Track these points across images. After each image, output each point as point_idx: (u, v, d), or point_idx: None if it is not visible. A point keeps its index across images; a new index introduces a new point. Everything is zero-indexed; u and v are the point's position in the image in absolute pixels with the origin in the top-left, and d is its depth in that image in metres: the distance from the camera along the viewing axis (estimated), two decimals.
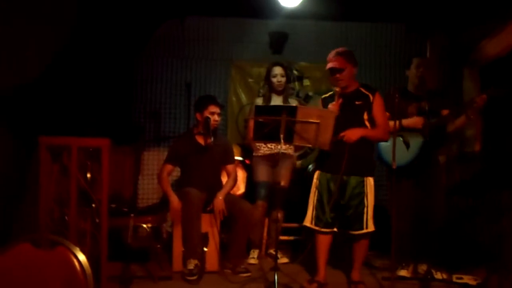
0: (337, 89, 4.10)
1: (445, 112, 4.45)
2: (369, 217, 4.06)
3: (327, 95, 4.31)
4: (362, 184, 4.07)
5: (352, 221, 4.09)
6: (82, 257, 2.43)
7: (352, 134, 3.99)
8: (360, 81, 6.29)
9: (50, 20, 4.44)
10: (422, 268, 4.38)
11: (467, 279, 4.25)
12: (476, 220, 4.81)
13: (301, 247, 5.05)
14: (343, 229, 4.18)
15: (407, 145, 4.36)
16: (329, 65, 4.10)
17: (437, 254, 4.47)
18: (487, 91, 4.13)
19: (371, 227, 4.07)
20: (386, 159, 4.45)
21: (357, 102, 4.11)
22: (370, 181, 4.10)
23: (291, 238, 5.46)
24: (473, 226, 4.82)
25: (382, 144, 4.47)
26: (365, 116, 4.11)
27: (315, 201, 4.16)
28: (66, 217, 3.86)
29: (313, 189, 4.19)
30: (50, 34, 4.47)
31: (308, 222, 4.18)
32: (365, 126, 4.11)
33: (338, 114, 3.95)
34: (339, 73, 4.08)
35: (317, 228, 4.15)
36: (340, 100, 4.07)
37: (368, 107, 4.11)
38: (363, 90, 4.17)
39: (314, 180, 4.22)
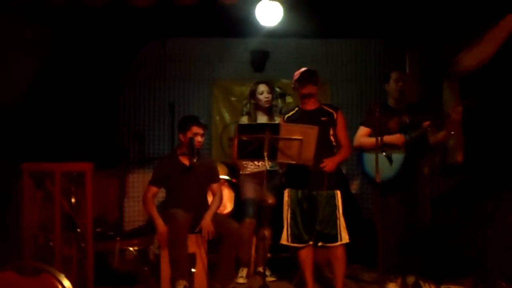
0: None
1: (426, 124, 4.50)
2: (342, 229, 4.13)
3: (289, 114, 4.44)
4: (333, 198, 4.17)
5: (326, 234, 4.14)
6: (67, 283, 2.40)
7: (333, 164, 4.17)
8: (342, 96, 6.47)
9: (30, 45, 4.45)
10: (410, 280, 4.39)
11: None
12: (461, 231, 4.84)
13: (290, 265, 5.07)
14: (318, 242, 4.21)
15: (389, 160, 4.40)
16: (304, 91, 4.25)
17: (424, 265, 4.48)
18: (462, 102, 4.21)
19: (345, 239, 4.13)
20: (371, 174, 4.48)
21: (322, 118, 4.24)
22: (339, 194, 4.21)
23: (279, 255, 5.45)
24: (459, 236, 4.85)
25: (367, 159, 4.53)
26: (331, 132, 4.26)
27: (289, 219, 4.25)
28: (51, 243, 3.83)
29: (285, 207, 4.29)
30: (30, 59, 4.47)
31: (284, 240, 4.27)
32: (330, 142, 4.27)
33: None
34: (311, 97, 4.28)
35: (294, 245, 4.23)
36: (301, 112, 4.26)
37: (333, 124, 4.27)
38: (326, 108, 4.35)
39: (285, 198, 4.31)
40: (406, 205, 4.51)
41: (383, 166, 4.25)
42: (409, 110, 4.53)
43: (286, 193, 4.31)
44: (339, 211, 4.15)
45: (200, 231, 4.53)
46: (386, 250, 4.14)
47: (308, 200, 4.17)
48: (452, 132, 4.41)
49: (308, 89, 4.24)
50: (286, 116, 4.44)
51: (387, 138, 4.39)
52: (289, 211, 4.25)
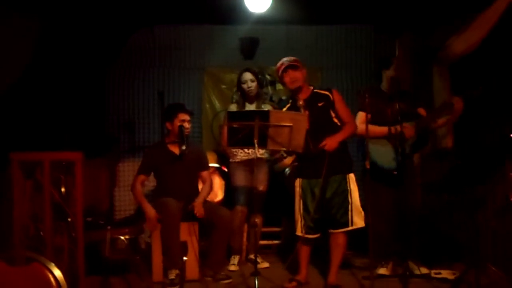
0: (301, 102, 4.14)
1: (421, 111, 4.55)
2: (355, 214, 4.09)
3: (285, 108, 4.30)
4: (344, 182, 4.11)
5: (337, 219, 4.10)
6: (57, 272, 2.39)
7: (333, 142, 4.03)
8: (332, 81, 6.47)
9: (18, 34, 4.40)
10: (402, 264, 4.41)
11: (445, 274, 4.31)
12: (453, 216, 4.88)
13: (282, 251, 5.09)
14: (328, 229, 4.17)
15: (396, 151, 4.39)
16: (284, 65, 4.15)
17: (415, 250, 4.52)
18: (463, 93, 4.23)
19: (358, 223, 4.09)
20: (380, 164, 4.48)
21: (319, 104, 4.16)
22: (352, 178, 4.14)
23: (271, 242, 5.50)
24: (450, 221, 4.88)
25: (373, 149, 4.42)
26: (332, 114, 4.18)
27: (301, 210, 4.17)
28: (41, 233, 3.81)
29: (297, 198, 4.21)
30: (19, 49, 4.43)
31: (299, 231, 4.18)
32: (335, 124, 4.16)
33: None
34: (293, 70, 4.13)
35: (308, 236, 4.16)
36: (307, 112, 4.09)
37: (332, 105, 4.18)
38: (319, 91, 4.26)
39: (297, 188, 4.23)
40: (396, 191, 4.54)
41: (387, 156, 4.36)
42: (402, 97, 4.54)
43: (297, 183, 4.23)
44: (351, 195, 4.09)
45: (190, 218, 4.52)
46: (377, 236, 4.16)
47: (319, 187, 4.07)
48: (454, 120, 4.49)
49: (290, 75, 4.14)
50: (284, 110, 4.27)
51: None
52: (301, 202, 4.18)
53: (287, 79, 4.18)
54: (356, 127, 4.25)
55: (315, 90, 4.27)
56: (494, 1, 4.57)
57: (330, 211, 4.12)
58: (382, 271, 4.48)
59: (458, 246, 4.68)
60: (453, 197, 4.91)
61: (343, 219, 4.08)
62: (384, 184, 4.46)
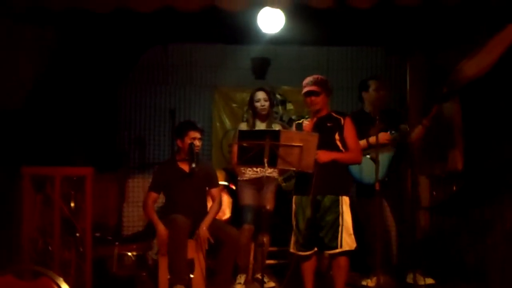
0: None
1: (403, 127, 4.66)
2: (345, 236, 4.06)
3: (300, 121, 4.47)
4: (337, 203, 4.10)
5: (327, 241, 4.09)
6: (65, 287, 2.41)
7: (323, 156, 4.06)
8: (342, 103, 6.48)
9: (32, 47, 4.46)
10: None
11: None
12: (461, 238, 4.85)
13: (287, 271, 5.04)
14: (319, 249, 4.19)
15: (374, 161, 4.41)
16: (306, 89, 4.23)
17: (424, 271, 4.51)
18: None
19: (348, 246, 4.06)
20: (356, 176, 4.59)
21: (328, 124, 4.22)
22: (345, 200, 4.14)
23: (277, 262, 5.47)
24: (459, 243, 4.85)
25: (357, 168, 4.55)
26: (337, 137, 4.20)
27: (294, 226, 4.22)
28: (50, 247, 3.83)
29: (293, 215, 4.26)
30: (31, 62, 4.48)
31: (291, 247, 4.23)
32: (337, 146, 4.19)
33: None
34: (315, 96, 4.22)
35: (299, 253, 4.18)
36: (315, 119, 4.23)
37: (339, 129, 4.21)
38: (334, 114, 4.31)
39: (293, 205, 4.27)
40: (396, 210, 4.57)
41: (369, 169, 4.35)
42: (382, 117, 4.58)
43: (293, 200, 4.27)
44: (342, 217, 4.07)
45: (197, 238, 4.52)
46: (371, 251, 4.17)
47: (312, 205, 4.10)
48: (427, 124, 4.66)
49: (310, 99, 4.23)
50: (296, 123, 4.49)
51: (372, 139, 4.51)
52: (294, 218, 4.22)
53: (307, 101, 4.28)
54: (359, 159, 4.28)
55: (331, 113, 4.33)
56: (506, 24, 4.59)
57: (319, 231, 4.12)
58: (366, 282, 4.58)
59: (466, 269, 4.64)
60: (462, 219, 4.89)
61: (332, 244, 4.06)
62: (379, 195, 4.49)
